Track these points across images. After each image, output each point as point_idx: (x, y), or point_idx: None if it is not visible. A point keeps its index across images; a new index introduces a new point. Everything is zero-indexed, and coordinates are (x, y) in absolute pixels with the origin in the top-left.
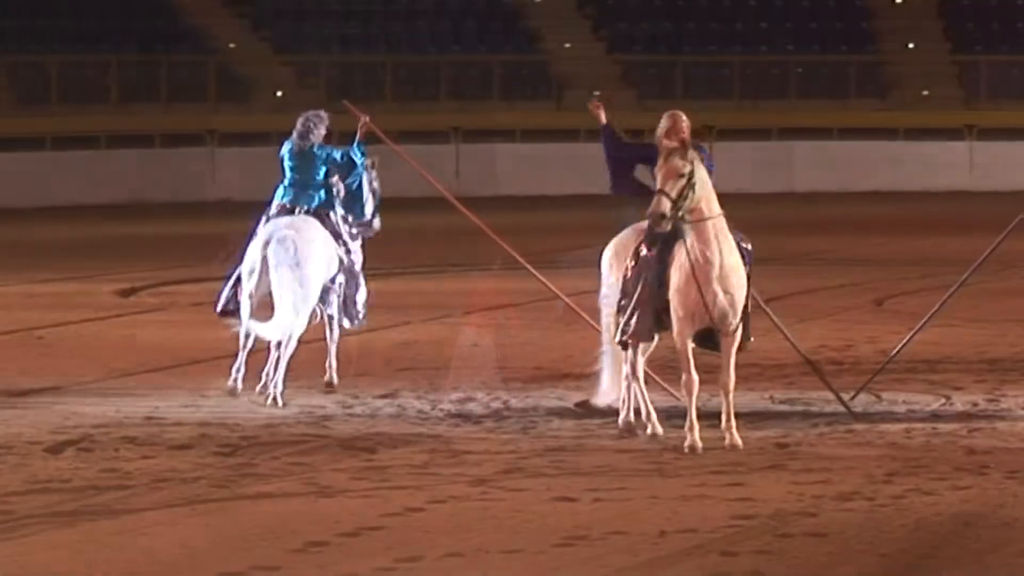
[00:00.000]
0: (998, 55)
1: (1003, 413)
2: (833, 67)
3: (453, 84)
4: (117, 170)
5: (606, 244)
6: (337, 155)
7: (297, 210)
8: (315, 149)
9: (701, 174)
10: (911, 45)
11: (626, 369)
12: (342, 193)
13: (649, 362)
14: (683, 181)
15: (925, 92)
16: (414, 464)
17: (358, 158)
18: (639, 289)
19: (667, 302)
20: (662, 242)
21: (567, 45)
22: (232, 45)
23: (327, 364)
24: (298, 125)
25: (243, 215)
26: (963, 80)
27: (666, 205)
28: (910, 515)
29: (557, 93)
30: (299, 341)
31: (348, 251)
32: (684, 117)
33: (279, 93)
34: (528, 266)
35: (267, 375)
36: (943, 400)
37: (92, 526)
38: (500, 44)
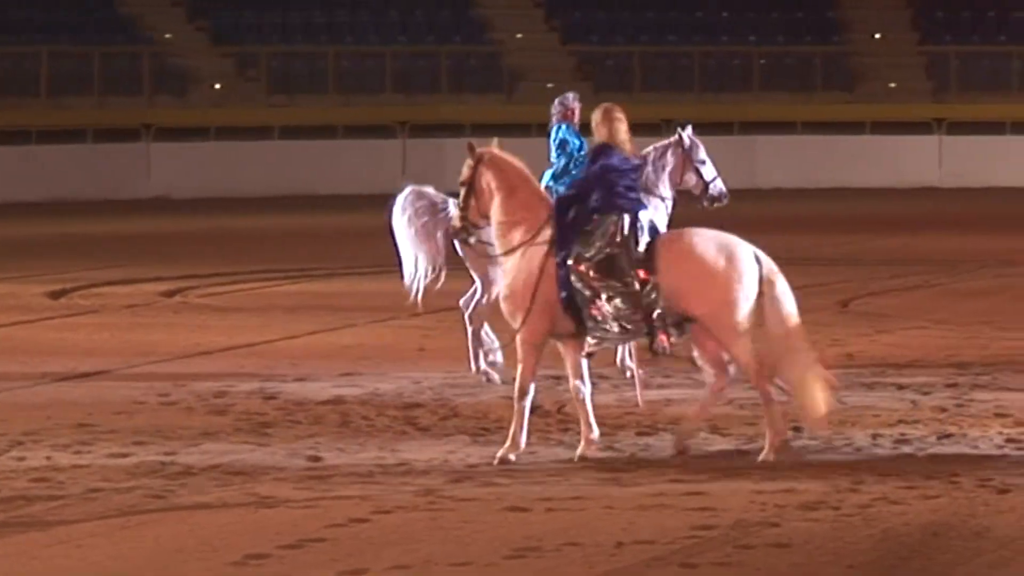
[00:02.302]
0: (968, 45)
1: (974, 418)
2: (797, 58)
3: (400, 76)
4: (48, 166)
5: None
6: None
7: None
8: None
9: (484, 179)
10: (878, 35)
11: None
12: None
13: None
14: (464, 190)
15: (892, 84)
16: (359, 473)
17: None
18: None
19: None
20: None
21: (519, 35)
22: (168, 35)
23: None
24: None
25: (179, 213)
26: (932, 72)
27: (456, 217)
28: (877, 525)
29: (509, 85)
30: None
31: None
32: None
33: (217, 86)
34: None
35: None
36: (911, 405)
37: (22, 538)
38: (449, 34)
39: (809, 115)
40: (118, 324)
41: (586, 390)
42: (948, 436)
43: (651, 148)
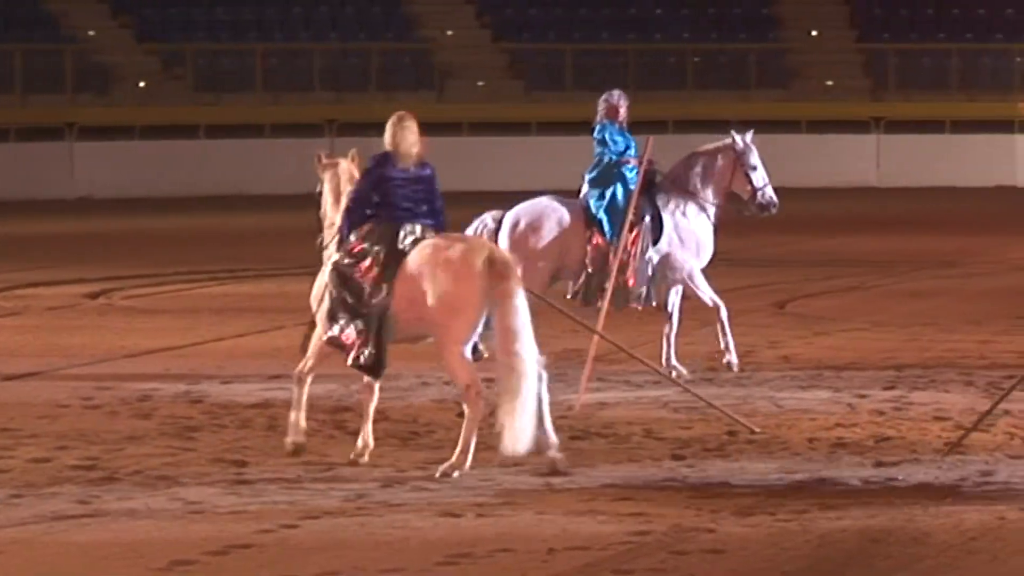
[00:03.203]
0: (906, 43)
1: (912, 422)
2: (732, 56)
3: (328, 73)
4: None
5: None
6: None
7: None
8: None
9: (327, 188)
10: (814, 32)
11: None
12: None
13: None
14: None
15: (829, 82)
16: (287, 478)
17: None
18: None
19: None
20: None
21: (450, 32)
22: (92, 32)
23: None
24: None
25: (103, 213)
26: (870, 70)
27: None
28: (813, 531)
29: (439, 84)
30: None
31: None
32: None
33: (142, 84)
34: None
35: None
36: (848, 408)
37: None
38: (379, 31)
39: (745, 113)
40: (41, 326)
41: (374, 400)
42: (886, 440)
43: (701, 149)
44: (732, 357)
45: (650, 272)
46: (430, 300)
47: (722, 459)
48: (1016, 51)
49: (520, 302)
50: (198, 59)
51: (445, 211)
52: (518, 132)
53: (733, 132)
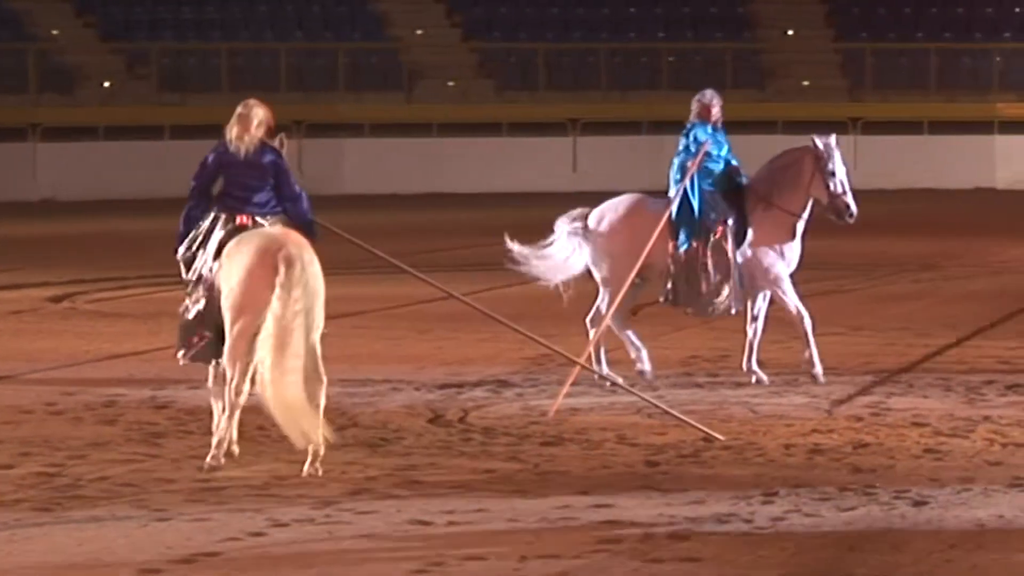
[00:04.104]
0: (884, 43)
1: (890, 428)
2: (707, 55)
3: (296, 73)
4: None
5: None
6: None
7: None
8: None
9: None
10: (791, 32)
11: None
12: None
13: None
14: None
15: (806, 82)
16: (253, 485)
17: None
18: None
19: None
20: None
21: (419, 31)
22: (55, 32)
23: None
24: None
25: (67, 215)
26: (847, 69)
27: None
28: (791, 538)
29: (409, 84)
30: None
31: None
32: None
33: (106, 84)
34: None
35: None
36: (825, 414)
37: None
38: (347, 30)
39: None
40: (3, 331)
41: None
42: (864, 446)
43: (783, 152)
44: (817, 368)
45: (736, 277)
46: (223, 292)
47: (697, 466)
48: (995, 51)
49: (293, 299)
50: (163, 59)
51: (299, 199)
52: (489, 133)
53: (814, 136)
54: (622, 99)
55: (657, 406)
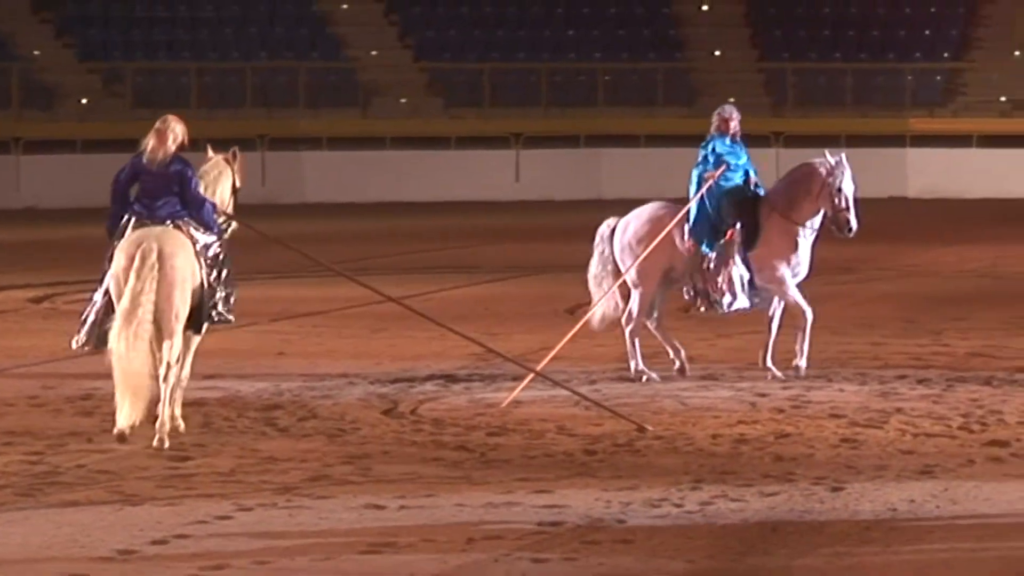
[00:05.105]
0: (804, 63)
1: (810, 419)
2: (641, 74)
3: (259, 91)
4: None
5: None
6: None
7: None
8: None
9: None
10: (718, 53)
11: None
12: None
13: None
14: None
15: (732, 100)
16: (220, 472)
17: None
18: None
19: None
20: None
21: (374, 52)
22: (37, 52)
23: None
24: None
25: (48, 222)
26: (770, 88)
27: None
28: (717, 521)
29: (364, 100)
30: None
31: None
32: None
33: (84, 100)
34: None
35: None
36: (750, 406)
37: None
38: (307, 51)
39: (652, 128)
40: None
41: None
42: (785, 436)
43: (799, 165)
44: (801, 361)
45: (744, 279)
46: (109, 281)
47: (631, 455)
48: (907, 70)
49: (143, 279)
50: (136, 77)
51: (202, 205)
52: (438, 146)
53: (827, 152)
54: (561, 115)
55: (594, 401)
